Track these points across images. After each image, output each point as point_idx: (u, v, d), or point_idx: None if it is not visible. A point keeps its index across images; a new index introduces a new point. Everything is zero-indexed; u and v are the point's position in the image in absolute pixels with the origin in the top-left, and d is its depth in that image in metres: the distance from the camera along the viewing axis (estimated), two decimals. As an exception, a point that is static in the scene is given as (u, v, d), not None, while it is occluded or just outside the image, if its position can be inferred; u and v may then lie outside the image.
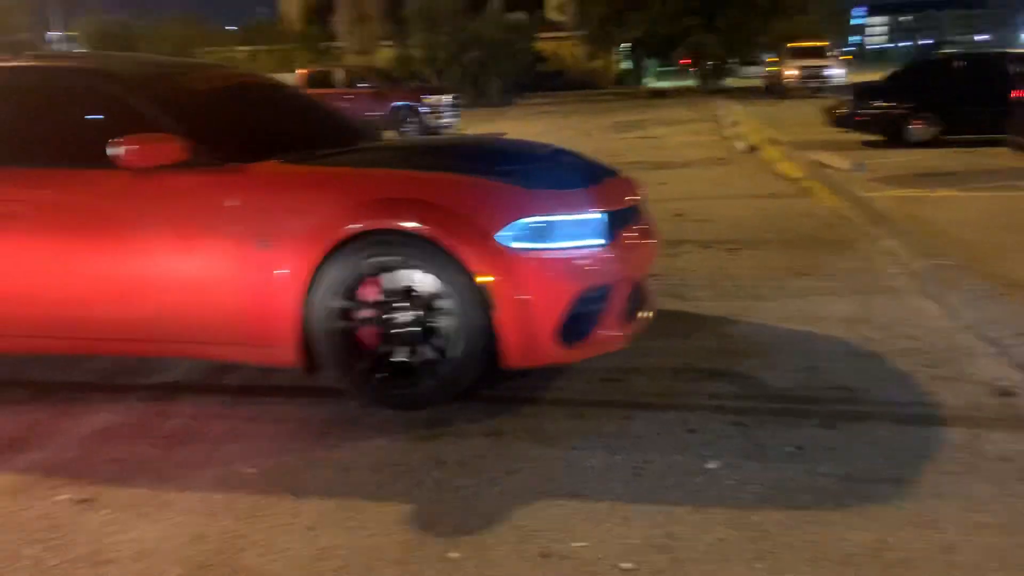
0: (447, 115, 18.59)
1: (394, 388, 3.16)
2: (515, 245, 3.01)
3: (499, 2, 30.91)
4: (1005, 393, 3.18)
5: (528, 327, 3.02)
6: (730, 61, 30.77)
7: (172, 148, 3.15)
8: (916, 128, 11.91)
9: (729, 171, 10.11)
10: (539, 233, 3.04)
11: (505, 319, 3.00)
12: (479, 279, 2.97)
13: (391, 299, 3.11)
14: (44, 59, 4.28)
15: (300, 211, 3.11)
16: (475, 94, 27.08)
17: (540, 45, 33.83)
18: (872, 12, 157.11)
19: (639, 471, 2.69)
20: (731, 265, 5.38)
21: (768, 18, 29.12)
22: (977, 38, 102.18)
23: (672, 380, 3.44)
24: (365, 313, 3.12)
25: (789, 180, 9.07)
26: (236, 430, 3.15)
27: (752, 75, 33.91)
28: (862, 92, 12.74)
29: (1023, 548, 2.20)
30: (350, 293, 3.10)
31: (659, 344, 3.77)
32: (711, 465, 2.71)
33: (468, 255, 2.97)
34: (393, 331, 3.11)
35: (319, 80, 19.42)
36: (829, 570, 2.13)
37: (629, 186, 3.66)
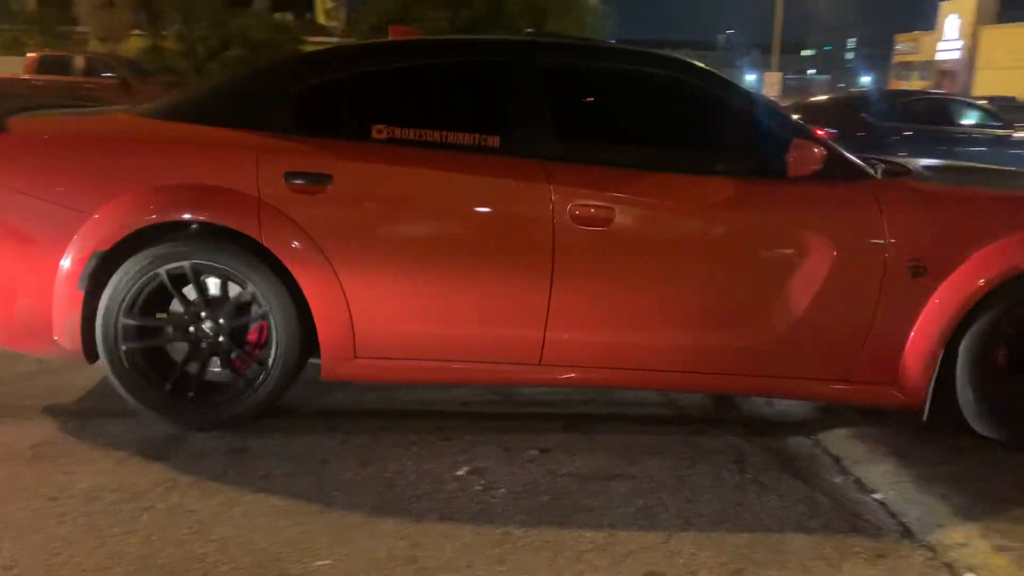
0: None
1: None
2: None
3: (266, 1, 29.66)
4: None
5: None
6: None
7: (819, 156, 2.81)
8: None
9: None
10: None
11: None
12: None
13: None
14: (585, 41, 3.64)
15: (970, 236, 2.87)
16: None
17: (309, 48, 32.86)
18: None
19: (391, 482, 2.65)
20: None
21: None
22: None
23: (427, 388, 3.43)
24: None
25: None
26: (-81, 461, 2.69)
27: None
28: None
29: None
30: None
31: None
32: (461, 472, 2.73)
33: None
34: None
35: (53, 66, 17.32)
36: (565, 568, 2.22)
37: None
